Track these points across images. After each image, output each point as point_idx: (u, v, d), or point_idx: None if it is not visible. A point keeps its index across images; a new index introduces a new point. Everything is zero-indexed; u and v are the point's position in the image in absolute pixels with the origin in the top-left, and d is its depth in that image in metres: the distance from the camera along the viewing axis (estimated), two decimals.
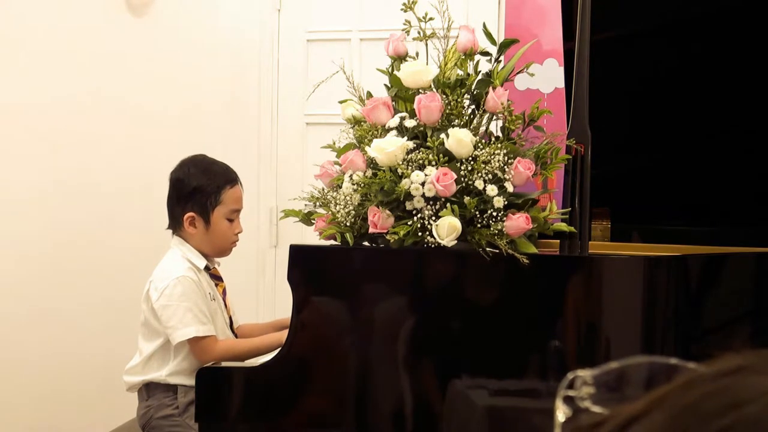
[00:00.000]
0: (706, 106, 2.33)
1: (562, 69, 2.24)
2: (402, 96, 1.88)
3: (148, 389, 2.26)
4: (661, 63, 2.37)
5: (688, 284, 1.88)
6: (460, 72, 1.86)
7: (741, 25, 2.28)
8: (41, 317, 2.96)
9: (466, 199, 1.70)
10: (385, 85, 1.93)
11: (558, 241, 1.83)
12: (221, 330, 2.27)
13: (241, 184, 2.33)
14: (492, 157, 1.73)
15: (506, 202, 1.71)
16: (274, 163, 3.61)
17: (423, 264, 1.79)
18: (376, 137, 1.80)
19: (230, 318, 2.35)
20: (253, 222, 3.35)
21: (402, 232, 1.70)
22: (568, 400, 0.45)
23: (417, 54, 1.92)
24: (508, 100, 1.82)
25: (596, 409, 0.44)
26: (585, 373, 0.46)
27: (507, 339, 1.76)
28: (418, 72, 1.83)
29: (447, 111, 1.79)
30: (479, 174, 1.72)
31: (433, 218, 1.70)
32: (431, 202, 1.72)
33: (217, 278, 2.34)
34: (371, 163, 1.79)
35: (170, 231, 2.33)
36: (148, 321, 2.25)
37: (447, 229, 1.67)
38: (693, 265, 1.87)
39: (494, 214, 1.69)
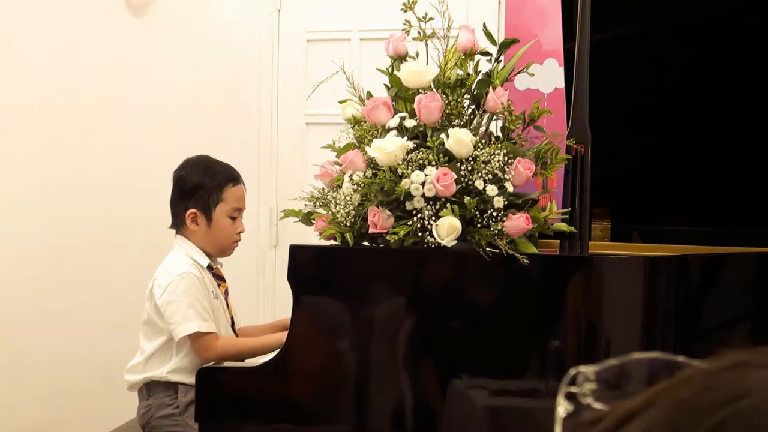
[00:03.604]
0: (706, 106, 2.33)
1: (562, 69, 2.24)
2: (402, 96, 1.88)
3: (149, 388, 2.26)
4: (662, 63, 2.37)
5: (688, 284, 1.88)
6: (460, 72, 1.86)
7: (741, 25, 2.28)
8: (41, 317, 2.96)
9: (466, 199, 1.70)
10: (385, 85, 1.93)
11: (558, 241, 1.83)
12: (223, 329, 2.28)
13: (244, 184, 2.35)
14: (492, 157, 1.73)
15: (506, 202, 1.71)
16: (274, 163, 3.61)
17: (423, 264, 1.79)
18: (376, 137, 1.80)
19: (232, 318, 2.36)
20: (253, 222, 3.35)
21: (402, 232, 1.70)
22: (570, 397, 0.45)
23: (417, 54, 1.92)
24: (508, 100, 1.82)
25: (598, 405, 0.44)
26: (587, 369, 0.46)
27: (507, 339, 1.76)
28: (418, 72, 1.83)
29: (447, 111, 1.79)
30: (479, 174, 1.72)
31: (433, 218, 1.70)
32: (431, 202, 1.72)
33: (219, 278, 2.35)
34: (371, 163, 1.79)
35: (173, 231, 2.34)
36: (150, 319, 2.25)
37: (447, 229, 1.67)
38: (693, 265, 1.87)
39: (494, 214, 1.69)
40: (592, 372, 0.46)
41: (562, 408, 0.45)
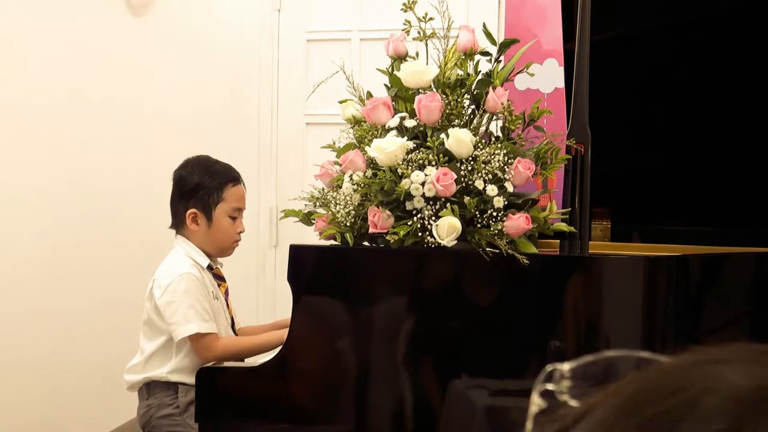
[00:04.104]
0: (706, 106, 2.33)
1: (562, 69, 2.25)
2: (402, 96, 1.88)
3: (149, 388, 2.26)
4: (662, 63, 2.37)
5: (688, 284, 1.88)
6: (460, 72, 1.86)
7: (741, 25, 2.28)
8: (41, 317, 2.95)
9: (466, 199, 1.70)
10: (385, 85, 1.93)
11: (558, 241, 1.82)
12: (224, 330, 2.28)
13: (244, 184, 2.35)
14: (492, 157, 1.73)
15: (506, 202, 1.71)
16: (274, 163, 3.61)
17: (423, 264, 1.79)
18: (376, 137, 1.80)
19: (232, 318, 2.36)
20: (253, 222, 3.35)
21: (402, 232, 1.70)
22: (547, 394, 0.45)
23: (417, 54, 1.92)
24: (508, 100, 1.82)
25: (574, 402, 0.44)
26: (563, 367, 0.46)
27: (507, 339, 1.76)
28: (418, 72, 1.83)
29: (447, 111, 1.79)
30: (479, 174, 1.72)
31: (433, 218, 1.70)
32: (431, 202, 1.72)
33: (219, 278, 2.34)
34: (371, 163, 1.79)
35: (173, 231, 2.34)
36: (150, 319, 2.25)
37: (447, 229, 1.67)
38: (693, 265, 1.87)
39: (494, 214, 1.69)
40: (567, 369, 0.46)
41: (535, 405, 0.45)
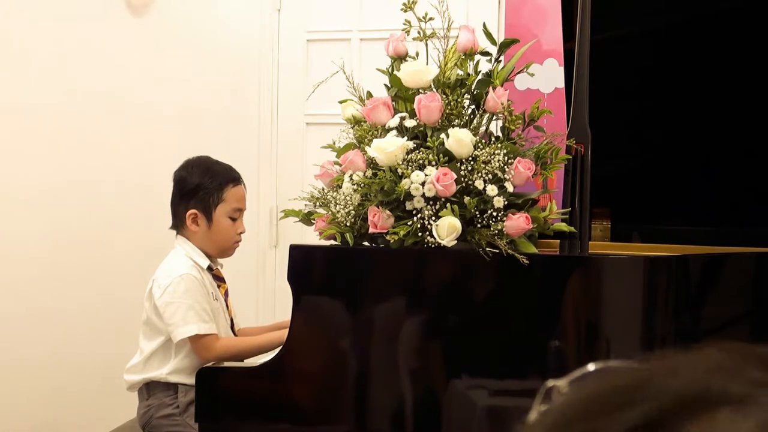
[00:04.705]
0: (706, 105, 2.33)
1: (562, 69, 2.25)
2: (402, 96, 1.88)
3: (149, 388, 2.26)
4: (662, 63, 2.37)
5: (688, 284, 1.88)
6: (460, 72, 1.86)
7: (741, 25, 2.28)
8: (41, 317, 2.96)
9: (466, 199, 1.70)
10: (385, 85, 1.93)
11: (558, 241, 1.82)
12: (223, 330, 2.28)
13: (244, 185, 2.35)
14: (492, 157, 1.73)
15: (506, 202, 1.71)
16: (274, 163, 3.61)
17: (423, 264, 1.79)
18: (376, 137, 1.80)
19: (231, 320, 2.36)
20: (253, 222, 3.35)
21: (402, 232, 1.70)
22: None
23: (417, 54, 1.92)
24: (508, 100, 1.82)
25: None
26: (561, 383, 0.45)
27: (507, 339, 1.76)
28: (418, 72, 1.83)
29: (447, 111, 1.79)
30: (479, 174, 1.72)
31: (433, 218, 1.70)
32: (431, 202, 1.72)
33: (219, 279, 2.34)
34: (371, 163, 1.79)
35: (173, 232, 2.34)
36: (150, 319, 2.25)
37: (447, 229, 1.67)
38: (693, 265, 1.87)
39: (494, 214, 1.69)
40: (565, 384, 0.45)
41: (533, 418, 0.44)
